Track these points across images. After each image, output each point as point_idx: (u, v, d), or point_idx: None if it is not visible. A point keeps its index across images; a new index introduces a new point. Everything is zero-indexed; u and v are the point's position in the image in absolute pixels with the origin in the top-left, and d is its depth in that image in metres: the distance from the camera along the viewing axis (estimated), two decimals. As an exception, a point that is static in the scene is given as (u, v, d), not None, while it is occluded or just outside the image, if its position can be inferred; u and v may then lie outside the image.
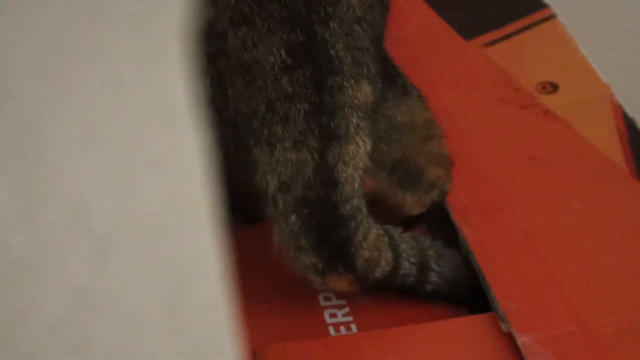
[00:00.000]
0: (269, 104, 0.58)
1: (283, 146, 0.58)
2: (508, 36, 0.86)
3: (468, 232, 0.66)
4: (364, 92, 0.60)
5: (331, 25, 0.59)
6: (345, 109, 0.59)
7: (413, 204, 0.67)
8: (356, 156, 0.60)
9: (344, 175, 0.59)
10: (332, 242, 0.59)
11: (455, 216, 0.68)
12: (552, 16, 0.89)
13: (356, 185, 0.60)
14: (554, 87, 0.81)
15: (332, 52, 0.59)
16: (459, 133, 0.75)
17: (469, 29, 0.86)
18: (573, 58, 0.84)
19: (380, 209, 0.65)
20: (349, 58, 0.59)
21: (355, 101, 0.59)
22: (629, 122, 0.77)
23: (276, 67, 0.58)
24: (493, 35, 0.86)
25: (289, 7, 0.58)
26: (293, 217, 0.59)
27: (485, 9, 0.89)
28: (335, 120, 0.59)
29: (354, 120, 0.59)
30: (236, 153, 0.61)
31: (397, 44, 0.74)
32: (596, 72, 0.82)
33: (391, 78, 0.66)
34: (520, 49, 0.86)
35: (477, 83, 0.81)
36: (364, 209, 0.60)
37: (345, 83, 0.59)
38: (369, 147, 0.61)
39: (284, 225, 0.59)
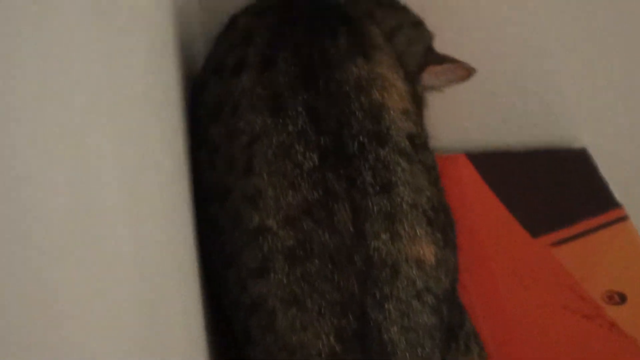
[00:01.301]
0: None
1: None
2: (577, 236, 0.84)
3: None
4: None
5: (386, 306, 0.55)
6: None
7: None
8: None
9: None
10: None
11: None
12: (624, 217, 0.87)
13: None
14: (622, 299, 0.77)
15: (385, 336, 0.55)
16: (517, 338, 0.72)
17: (537, 225, 0.84)
18: (644, 267, 0.81)
19: None
20: (404, 342, 0.55)
21: None
22: (700, 348, 0.73)
23: (323, 355, 0.54)
24: (561, 234, 0.84)
25: (342, 289, 0.55)
26: None
27: (555, 206, 0.87)
28: None
29: None
30: None
31: (463, 236, 0.72)
32: (668, 285, 0.79)
33: (454, 331, 0.62)
34: (588, 252, 0.83)
35: (540, 285, 0.78)
36: None
37: None
38: None
39: None
